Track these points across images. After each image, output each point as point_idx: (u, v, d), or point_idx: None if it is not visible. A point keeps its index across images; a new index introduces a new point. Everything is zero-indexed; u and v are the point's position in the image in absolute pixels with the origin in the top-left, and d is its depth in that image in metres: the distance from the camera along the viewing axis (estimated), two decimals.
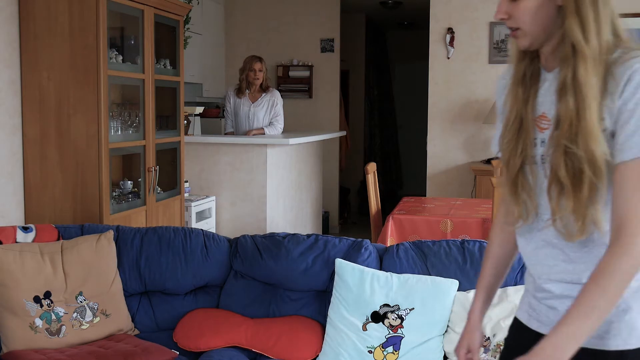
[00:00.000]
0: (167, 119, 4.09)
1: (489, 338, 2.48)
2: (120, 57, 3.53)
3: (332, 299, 2.68)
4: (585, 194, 1.26)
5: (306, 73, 7.54)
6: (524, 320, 1.49)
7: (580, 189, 1.27)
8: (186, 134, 4.71)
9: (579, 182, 1.27)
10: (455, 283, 2.60)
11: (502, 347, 1.61)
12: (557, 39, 1.32)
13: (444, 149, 6.13)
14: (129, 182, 3.72)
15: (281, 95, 5.46)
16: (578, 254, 1.35)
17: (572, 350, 1.23)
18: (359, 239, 2.89)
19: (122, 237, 2.97)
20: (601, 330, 1.29)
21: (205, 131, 5.63)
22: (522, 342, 1.42)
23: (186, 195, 4.43)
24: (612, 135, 1.26)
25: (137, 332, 2.86)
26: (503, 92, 1.50)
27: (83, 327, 2.69)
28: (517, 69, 1.42)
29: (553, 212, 1.33)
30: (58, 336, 2.63)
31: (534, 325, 1.45)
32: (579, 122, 1.25)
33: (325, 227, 7.16)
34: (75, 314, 2.69)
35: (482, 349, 2.46)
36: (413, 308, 2.56)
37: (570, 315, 1.24)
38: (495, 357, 2.41)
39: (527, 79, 1.40)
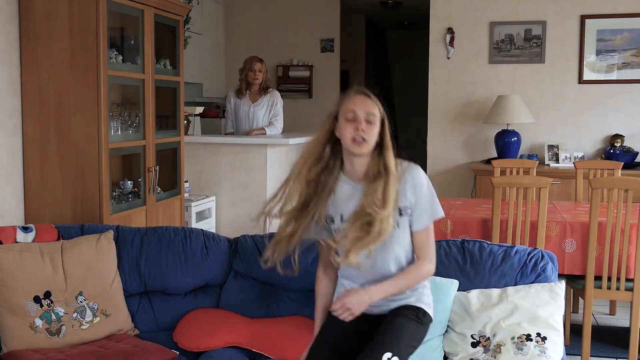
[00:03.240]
0: (167, 119, 4.08)
1: (488, 338, 2.48)
2: (120, 57, 3.53)
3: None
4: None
5: (306, 73, 7.54)
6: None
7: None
8: (186, 134, 4.71)
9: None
10: (455, 283, 2.60)
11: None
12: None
13: (444, 149, 6.13)
14: (129, 182, 3.72)
15: (281, 96, 5.46)
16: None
17: (380, 295, 2.17)
18: None
19: (122, 237, 2.97)
20: (413, 297, 2.26)
21: (205, 131, 5.63)
22: (362, 324, 2.21)
23: (186, 195, 4.43)
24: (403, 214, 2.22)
25: (137, 332, 2.85)
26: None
27: (83, 327, 2.69)
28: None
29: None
30: (58, 336, 2.63)
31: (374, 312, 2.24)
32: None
33: None
34: (75, 314, 2.69)
35: (482, 349, 2.46)
36: None
37: (388, 282, 2.18)
38: (495, 357, 2.41)
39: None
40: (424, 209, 2.21)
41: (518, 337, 2.43)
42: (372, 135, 2.16)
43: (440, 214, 2.24)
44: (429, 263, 2.24)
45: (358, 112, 2.14)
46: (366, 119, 2.14)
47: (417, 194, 2.21)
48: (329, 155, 2.21)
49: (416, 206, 2.21)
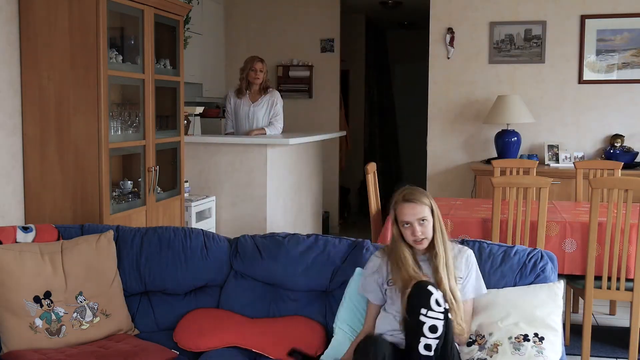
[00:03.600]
0: (167, 119, 4.09)
1: (484, 336, 2.48)
2: (120, 57, 3.53)
3: (343, 303, 2.68)
4: None
5: (306, 73, 7.54)
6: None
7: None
8: (186, 134, 4.71)
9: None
10: None
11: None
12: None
13: (444, 149, 6.13)
14: (129, 182, 3.72)
15: (281, 96, 5.46)
16: None
17: None
18: (359, 239, 2.90)
19: (122, 237, 2.97)
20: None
21: (205, 131, 5.63)
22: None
23: (186, 195, 4.43)
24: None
25: (137, 332, 2.86)
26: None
27: (83, 327, 2.69)
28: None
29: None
30: (58, 336, 2.63)
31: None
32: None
33: (325, 227, 7.16)
34: (75, 314, 2.69)
35: (477, 347, 2.46)
36: None
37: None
38: (490, 356, 2.41)
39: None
40: (471, 284, 2.55)
41: (515, 338, 2.43)
42: (429, 231, 2.49)
43: (484, 291, 2.57)
44: (468, 327, 2.54)
45: (411, 220, 2.47)
46: (420, 221, 2.48)
47: (469, 271, 2.55)
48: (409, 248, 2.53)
49: (466, 280, 2.54)
